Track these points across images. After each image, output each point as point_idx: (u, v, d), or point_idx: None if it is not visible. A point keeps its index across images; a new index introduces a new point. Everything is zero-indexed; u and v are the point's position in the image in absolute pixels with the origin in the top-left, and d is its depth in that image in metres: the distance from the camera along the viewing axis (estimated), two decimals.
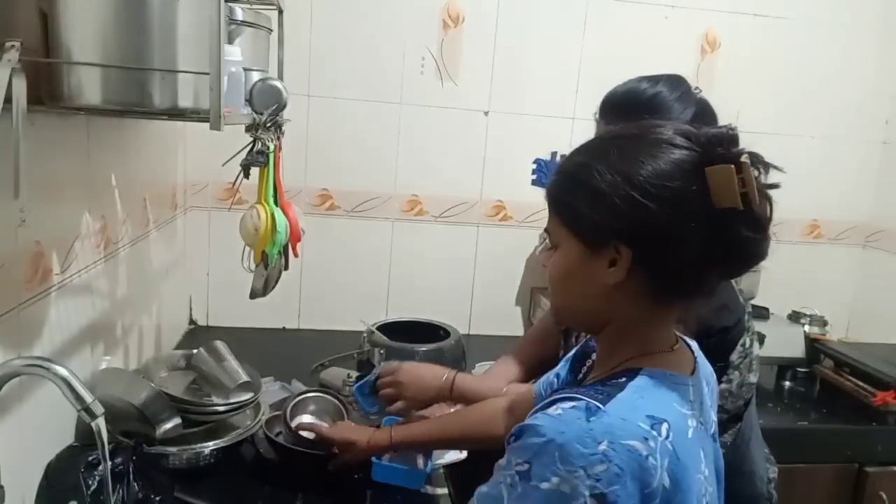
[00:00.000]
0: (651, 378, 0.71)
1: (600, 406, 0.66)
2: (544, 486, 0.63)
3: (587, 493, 0.61)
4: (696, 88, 1.16)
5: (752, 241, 0.69)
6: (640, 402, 0.67)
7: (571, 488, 0.62)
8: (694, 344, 0.84)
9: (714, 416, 0.81)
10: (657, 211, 0.68)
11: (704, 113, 1.13)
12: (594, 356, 0.87)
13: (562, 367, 0.98)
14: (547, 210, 0.78)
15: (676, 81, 1.16)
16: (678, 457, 0.65)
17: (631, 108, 1.12)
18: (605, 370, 0.76)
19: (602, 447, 0.62)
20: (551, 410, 0.67)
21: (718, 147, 0.67)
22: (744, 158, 0.66)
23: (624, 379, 0.70)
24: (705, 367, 0.83)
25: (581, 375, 0.91)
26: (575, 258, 0.74)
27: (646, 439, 0.64)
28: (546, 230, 0.79)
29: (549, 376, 1.00)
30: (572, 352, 0.97)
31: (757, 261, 0.71)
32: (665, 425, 0.66)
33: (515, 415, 1.07)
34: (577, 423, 0.64)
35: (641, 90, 1.15)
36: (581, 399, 0.67)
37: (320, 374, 1.59)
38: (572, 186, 0.75)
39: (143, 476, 1.08)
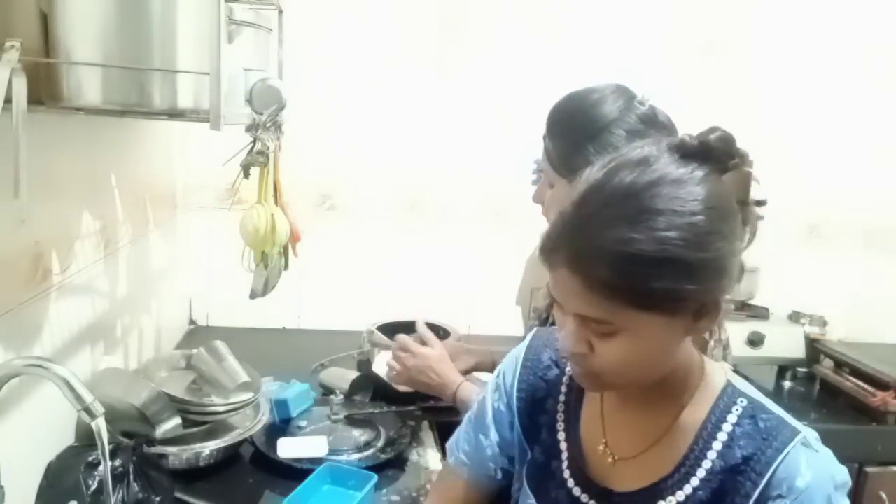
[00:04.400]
0: (742, 382, 0.76)
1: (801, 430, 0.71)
2: None
3: None
4: (640, 102, 1.08)
5: (754, 229, 0.70)
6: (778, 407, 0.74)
7: None
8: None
9: None
10: (728, 250, 0.65)
11: (654, 125, 1.07)
12: (559, 401, 0.84)
13: (497, 422, 0.89)
14: None
15: (619, 88, 1.10)
16: None
17: (586, 133, 1.07)
18: (677, 404, 0.74)
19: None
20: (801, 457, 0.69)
21: (732, 156, 0.66)
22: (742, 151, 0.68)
23: (745, 402, 0.73)
24: None
25: (566, 431, 0.82)
26: (651, 334, 0.65)
27: None
28: (580, 317, 0.66)
29: (466, 443, 0.93)
30: (500, 404, 0.88)
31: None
32: None
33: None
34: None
35: (582, 96, 1.10)
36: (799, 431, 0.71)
37: (320, 374, 1.59)
38: (646, 265, 0.61)
39: (143, 476, 1.08)
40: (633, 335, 0.65)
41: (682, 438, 0.73)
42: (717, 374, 0.76)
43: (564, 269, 0.64)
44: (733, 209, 0.66)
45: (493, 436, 0.90)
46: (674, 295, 0.63)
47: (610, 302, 0.63)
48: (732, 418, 0.71)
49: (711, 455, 0.71)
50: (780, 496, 0.67)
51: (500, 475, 0.91)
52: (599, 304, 0.63)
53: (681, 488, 0.71)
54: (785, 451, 0.68)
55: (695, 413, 0.73)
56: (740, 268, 0.68)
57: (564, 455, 0.81)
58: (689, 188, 0.63)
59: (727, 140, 0.66)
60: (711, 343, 1.03)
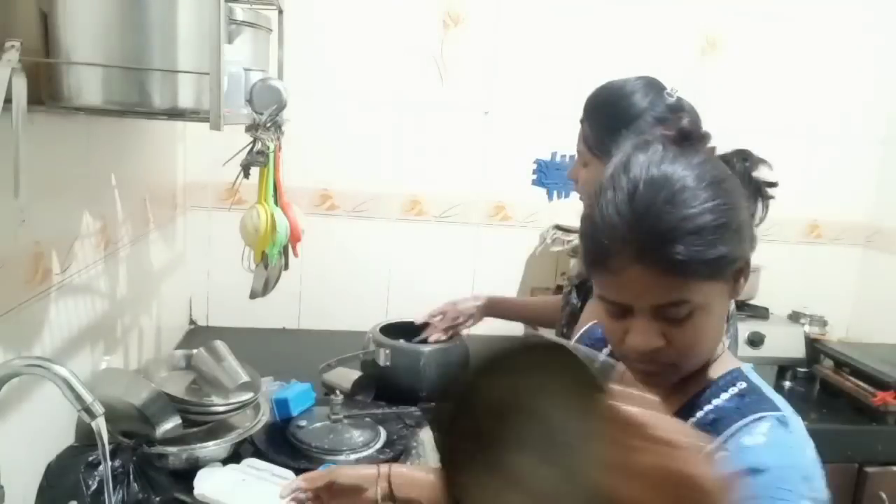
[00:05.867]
0: (754, 373, 0.76)
1: (783, 416, 0.70)
2: None
3: None
4: (669, 93, 1.18)
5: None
6: (782, 401, 0.73)
7: None
8: None
9: None
10: (747, 211, 0.71)
11: (677, 111, 1.16)
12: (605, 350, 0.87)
13: None
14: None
15: (650, 82, 1.21)
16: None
17: (620, 121, 1.17)
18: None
19: (809, 452, 0.70)
20: (753, 436, 0.68)
21: (705, 136, 0.73)
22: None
23: (744, 385, 0.74)
24: None
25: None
26: (719, 302, 0.70)
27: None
28: (658, 308, 0.67)
29: None
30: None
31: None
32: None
33: None
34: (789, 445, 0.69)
35: (618, 87, 1.22)
36: (767, 416, 0.69)
37: (326, 374, 1.59)
38: (715, 235, 0.65)
39: (143, 476, 1.08)
40: (705, 310, 0.68)
41: (674, 402, 0.74)
42: (732, 360, 0.77)
43: (635, 265, 0.65)
44: (734, 177, 0.71)
45: None
46: (731, 257, 0.67)
47: (685, 281, 0.65)
48: (725, 395, 0.73)
49: (690, 421, 0.71)
50: (724, 450, 0.67)
51: None
52: (676, 287, 0.66)
53: None
54: (751, 417, 0.69)
55: (693, 386, 0.74)
56: (752, 235, 0.73)
57: None
58: (703, 165, 0.68)
59: (696, 122, 0.73)
60: (724, 339, 1.05)
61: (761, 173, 0.76)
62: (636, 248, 0.65)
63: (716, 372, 0.75)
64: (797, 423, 0.70)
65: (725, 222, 0.66)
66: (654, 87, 1.19)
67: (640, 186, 0.66)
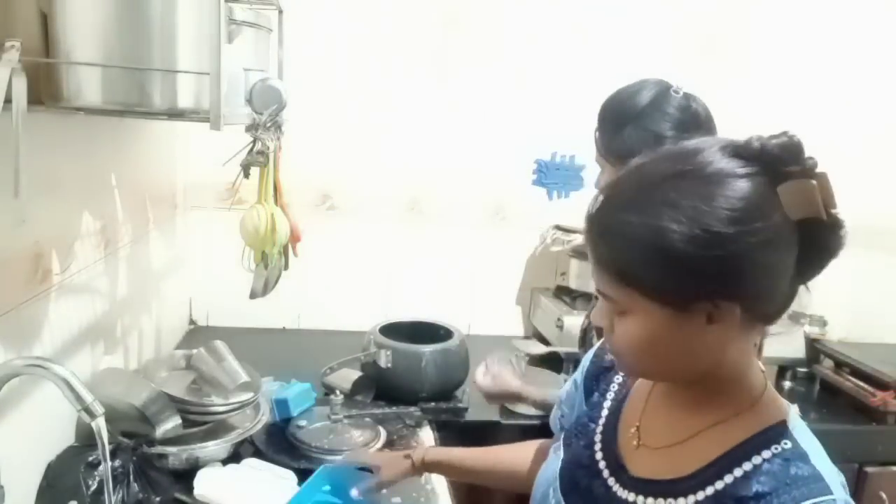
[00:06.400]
0: (801, 431, 0.69)
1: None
2: None
3: None
4: (675, 90, 1.18)
5: (837, 243, 0.64)
6: (829, 470, 0.66)
7: None
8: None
9: None
10: (754, 256, 0.61)
11: (687, 113, 1.16)
12: (619, 375, 0.84)
13: (569, 395, 0.94)
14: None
15: (656, 81, 1.20)
16: None
17: (623, 118, 1.16)
18: (713, 419, 0.71)
19: None
20: None
21: (790, 163, 0.61)
22: (818, 168, 0.61)
23: (789, 445, 0.67)
24: None
25: (613, 395, 0.84)
26: (660, 324, 0.65)
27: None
28: (604, 295, 0.69)
29: (556, 409, 0.97)
30: (578, 374, 0.93)
31: (835, 256, 0.67)
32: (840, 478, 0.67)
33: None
34: None
35: (623, 88, 1.21)
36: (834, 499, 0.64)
37: (328, 376, 1.59)
38: (643, 253, 0.63)
39: (143, 476, 1.08)
40: (640, 320, 0.66)
41: (709, 450, 0.70)
42: (779, 408, 0.71)
43: (590, 245, 0.68)
44: (772, 218, 0.61)
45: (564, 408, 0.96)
46: (672, 288, 0.63)
47: (617, 283, 0.66)
48: (767, 453, 0.67)
49: (728, 478, 0.68)
50: None
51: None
52: (610, 283, 0.67)
53: (685, 496, 0.69)
54: (804, 502, 0.63)
55: (734, 432, 0.70)
56: (789, 289, 0.66)
57: (601, 421, 0.83)
58: (721, 187, 0.62)
59: (788, 147, 0.61)
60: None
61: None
62: (592, 232, 0.68)
63: (760, 418, 0.70)
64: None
65: (679, 252, 0.61)
66: (659, 85, 1.19)
67: (628, 176, 0.68)
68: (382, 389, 1.59)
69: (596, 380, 0.89)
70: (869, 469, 1.68)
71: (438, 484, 1.27)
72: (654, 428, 0.77)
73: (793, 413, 0.72)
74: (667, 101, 1.15)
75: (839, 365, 1.87)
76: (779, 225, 0.62)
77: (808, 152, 0.62)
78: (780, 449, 0.67)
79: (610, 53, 2.02)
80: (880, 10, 2.14)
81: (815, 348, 1.92)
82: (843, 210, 0.64)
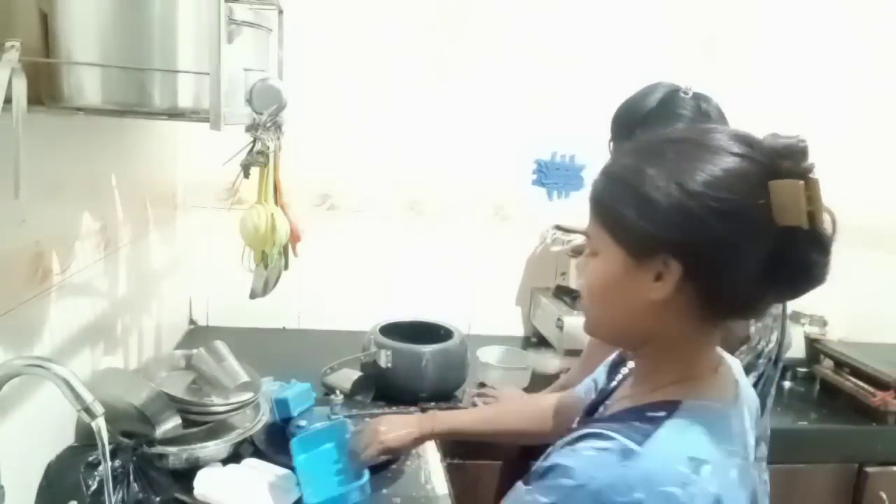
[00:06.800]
0: (692, 412, 0.66)
1: (636, 448, 0.61)
2: None
3: None
4: (684, 91, 1.18)
5: (816, 263, 0.64)
6: (679, 442, 0.63)
7: None
8: (737, 363, 0.80)
9: (752, 440, 0.76)
10: (714, 225, 0.62)
11: (698, 113, 1.16)
12: (630, 364, 0.85)
13: (599, 373, 0.95)
14: (579, 212, 0.77)
15: (666, 84, 1.20)
16: (720, 500, 0.61)
17: (632, 122, 1.17)
18: (643, 390, 0.72)
19: (638, 495, 0.59)
20: (582, 448, 0.63)
21: (786, 160, 0.62)
22: (812, 174, 0.61)
23: (663, 413, 0.65)
24: (748, 390, 0.78)
25: (616, 383, 0.87)
26: (617, 268, 0.69)
27: (685, 484, 0.60)
28: (585, 234, 0.74)
29: (588, 381, 0.99)
30: (610, 357, 0.95)
31: (816, 284, 0.66)
32: (707, 467, 0.61)
33: (560, 416, 1.06)
34: (611, 467, 0.61)
35: (632, 94, 1.21)
36: (615, 439, 0.62)
37: (328, 377, 1.59)
38: (620, 190, 0.68)
39: (143, 476, 1.08)
40: (602, 260, 0.71)
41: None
42: (693, 387, 0.70)
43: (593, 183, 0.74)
44: (749, 201, 0.62)
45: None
46: (632, 229, 0.67)
47: (594, 216, 0.72)
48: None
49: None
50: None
51: None
52: (590, 218, 0.73)
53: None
54: (581, 432, 0.66)
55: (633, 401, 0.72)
56: (754, 290, 0.65)
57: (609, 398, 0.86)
58: (713, 156, 0.64)
59: (791, 146, 0.62)
60: (744, 348, 1.14)
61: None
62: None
63: (670, 393, 0.69)
64: (647, 463, 0.61)
65: (666, 212, 0.64)
66: (667, 88, 1.19)
67: (656, 137, 0.72)
68: (382, 389, 1.59)
69: (616, 367, 0.91)
70: (869, 469, 1.68)
71: (439, 484, 1.27)
72: (616, 405, 0.79)
73: (726, 403, 0.71)
74: (676, 103, 1.15)
75: (839, 365, 1.87)
76: (756, 213, 0.62)
77: (810, 159, 0.62)
78: (646, 417, 0.66)
79: (610, 53, 2.02)
80: (883, 8, 2.14)
81: (815, 348, 1.92)
82: (841, 210, 0.64)
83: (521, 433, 1.12)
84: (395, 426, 1.17)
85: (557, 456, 0.65)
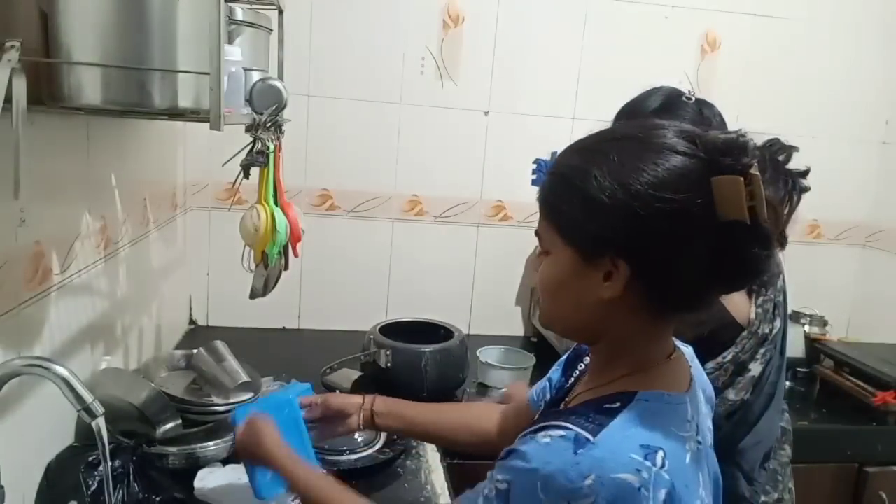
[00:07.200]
0: (646, 403, 0.67)
1: (590, 438, 0.63)
2: None
3: None
4: (687, 96, 1.18)
5: (758, 256, 0.65)
6: (633, 431, 0.64)
7: None
8: (689, 350, 0.82)
9: (710, 424, 0.79)
10: (658, 224, 0.64)
11: (699, 119, 1.16)
12: (587, 359, 0.86)
13: (554, 371, 0.96)
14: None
15: (668, 89, 1.21)
16: (675, 486, 0.62)
17: (625, 115, 1.19)
18: (600, 384, 0.73)
19: (588, 481, 0.60)
20: (540, 436, 0.65)
21: (727, 156, 0.63)
22: (753, 170, 0.62)
23: (618, 405, 0.67)
24: (701, 376, 0.80)
25: (573, 379, 0.88)
26: (567, 267, 0.70)
27: (638, 471, 0.61)
28: (536, 233, 0.75)
29: (542, 381, 0.99)
30: (564, 355, 0.96)
31: (759, 277, 0.68)
32: (660, 454, 0.63)
33: (507, 417, 1.07)
34: (565, 454, 0.62)
35: (634, 97, 1.21)
36: (571, 429, 0.64)
37: (328, 376, 1.59)
38: (567, 190, 0.69)
39: (143, 476, 1.08)
40: (553, 260, 0.72)
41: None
42: (646, 378, 0.71)
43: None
44: (692, 198, 0.63)
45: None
46: (580, 230, 0.68)
47: (544, 218, 0.73)
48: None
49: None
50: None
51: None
52: (541, 222, 0.74)
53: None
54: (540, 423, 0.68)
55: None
56: (701, 284, 0.67)
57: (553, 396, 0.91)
58: (657, 155, 0.65)
59: (731, 142, 0.63)
60: (745, 333, 1.17)
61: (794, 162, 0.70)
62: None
63: (626, 385, 0.70)
64: (600, 452, 0.62)
65: (610, 214, 0.65)
66: (669, 92, 1.19)
67: (603, 135, 0.74)
68: (382, 389, 1.59)
69: (572, 364, 0.91)
70: (869, 469, 1.68)
71: (438, 484, 1.27)
72: (575, 400, 0.79)
73: (689, 396, 0.72)
74: (677, 108, 1.15)
75: (839, 365, 1.87)
76: (698, 210, 0.63)
77: (750, 155, 0.63)
78: (602, 409, 0.67)
79: (610, 53, 2.02)
80: (884, 8, 2.14)
81: (815, 348, 1.92)
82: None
83: (465, 426, 1.10)
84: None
85: (518, 442, 0.67)
